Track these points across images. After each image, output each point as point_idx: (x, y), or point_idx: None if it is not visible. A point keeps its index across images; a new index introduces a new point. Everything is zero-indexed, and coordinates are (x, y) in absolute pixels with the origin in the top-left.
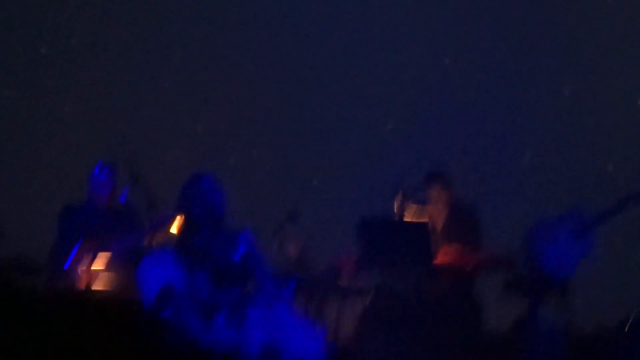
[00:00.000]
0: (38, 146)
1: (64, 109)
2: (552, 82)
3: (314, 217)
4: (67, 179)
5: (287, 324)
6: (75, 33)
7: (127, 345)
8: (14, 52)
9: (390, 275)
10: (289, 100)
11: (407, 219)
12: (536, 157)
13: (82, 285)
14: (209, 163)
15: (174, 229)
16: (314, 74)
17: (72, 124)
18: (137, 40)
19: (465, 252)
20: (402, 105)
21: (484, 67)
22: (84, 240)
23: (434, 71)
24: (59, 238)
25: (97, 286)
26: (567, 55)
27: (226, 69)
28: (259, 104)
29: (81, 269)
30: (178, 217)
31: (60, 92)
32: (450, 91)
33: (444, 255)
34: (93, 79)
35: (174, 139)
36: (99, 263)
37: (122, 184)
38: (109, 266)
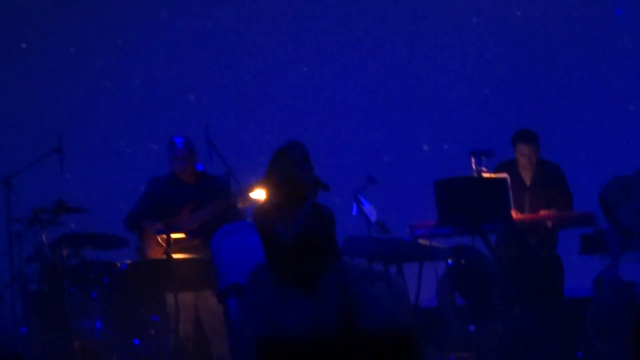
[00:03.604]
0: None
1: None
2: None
3: (392, 181)
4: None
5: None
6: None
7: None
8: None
9: (471, 231)
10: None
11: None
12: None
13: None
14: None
15: (254, 195)
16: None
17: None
18: None
19: (549, 208)
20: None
21: None
22: (168, 209)
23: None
24: (140, 206)
25: (178, 254)
26: None
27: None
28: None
29: (161, 237)
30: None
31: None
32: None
33: (530, 210)
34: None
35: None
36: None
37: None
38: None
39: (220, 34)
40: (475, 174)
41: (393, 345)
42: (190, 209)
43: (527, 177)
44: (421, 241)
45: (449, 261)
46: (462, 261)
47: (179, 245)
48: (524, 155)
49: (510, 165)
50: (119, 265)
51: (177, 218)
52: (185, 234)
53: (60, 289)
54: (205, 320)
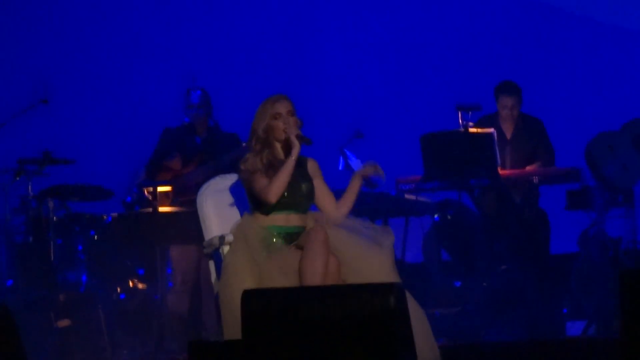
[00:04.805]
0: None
1: None
2: None
3: (378, 135)
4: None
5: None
6: None
7: None
8: None
9: (456, 186)
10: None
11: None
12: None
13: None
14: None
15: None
16: None
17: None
18: None
19: (531, 162)
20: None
21: None
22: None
23: None
24: (158, 154)
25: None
26: None
27: None
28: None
29: (147, 190)
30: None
31: None
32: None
33: (511, 164)
34: None
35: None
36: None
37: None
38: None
39: None
40: (461, 129)
41: (377, 299)
42: (197, 162)
43: (508, 130)
44: (407, 196)
45: (435, 216)
46: (448, 216)
47: (185, 198)
48: (505, 107)
49: (491, 119)
50: (105, 217)
51: (181, 170)
52: (173, 188)
53: (46, 241)
54: (202, 272)
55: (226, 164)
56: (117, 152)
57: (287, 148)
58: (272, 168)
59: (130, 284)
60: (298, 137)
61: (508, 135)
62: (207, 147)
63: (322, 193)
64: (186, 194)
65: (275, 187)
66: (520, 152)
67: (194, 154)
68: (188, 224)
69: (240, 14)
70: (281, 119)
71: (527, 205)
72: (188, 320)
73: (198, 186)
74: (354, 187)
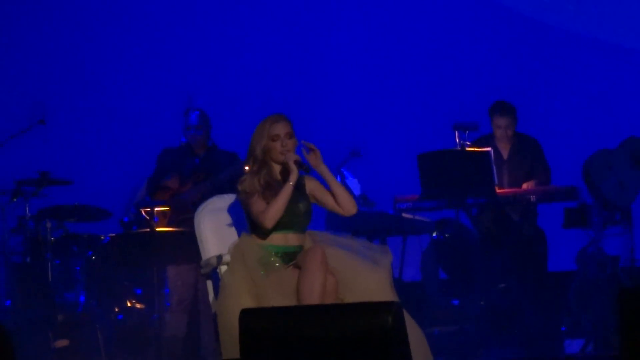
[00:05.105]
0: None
1: None
2: None
3: (375, 154)
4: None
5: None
6: None
7: None
8: None
9: (454, 205)
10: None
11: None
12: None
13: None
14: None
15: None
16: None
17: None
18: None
19: (530, 181)
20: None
21: None
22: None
23: None
24: (157, 175)
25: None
26: None
27: None
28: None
29: (145, 210)
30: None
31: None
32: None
33: (509, 184)
34: None
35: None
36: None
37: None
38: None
39: (204, 3)
40: (459, 148)
41: (375, 318)
42: (194, 181)
43: (504, 150)
44: (405, 215)
45: (433, 235)
46: (446, 235)
47: (182, 217)
48: (500, 127)
49: (487, 140)
50: (102, 238)
51: (179, 189)
52: (170, 207)
53: (44, 262)
54: (200, 292)
55: (223, 182)
56: (114, 173)
57: (285, 170)
58: (270, 189)
59: (128, 304)
60: (297, 163)
61: (504, 155)
62: (205, 167)
63: (331, 201)
64: (184, 213)
65: (272, 213)
66: (517, 172)
67: (192, 173)
68: (185, 243)
69: (237, 32)
70: (279, 141)
71: (525, 224)
72: (186, 340)
73: (195, 205)
74: (327, 179)
